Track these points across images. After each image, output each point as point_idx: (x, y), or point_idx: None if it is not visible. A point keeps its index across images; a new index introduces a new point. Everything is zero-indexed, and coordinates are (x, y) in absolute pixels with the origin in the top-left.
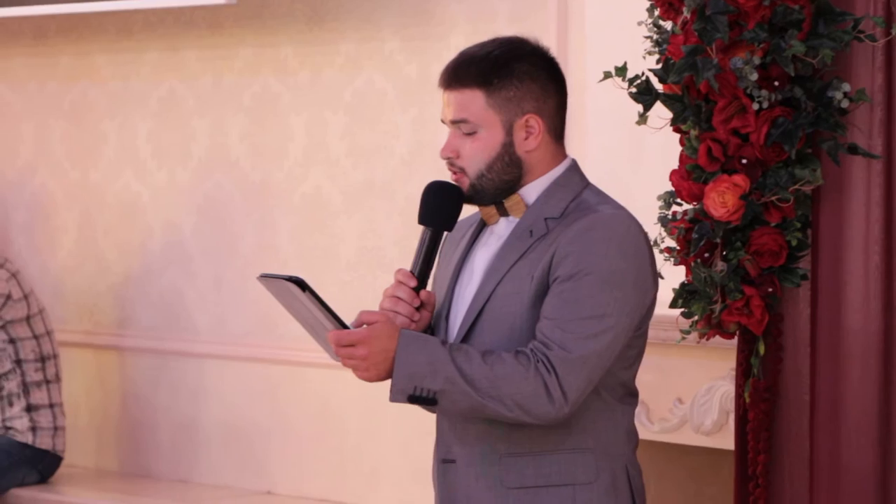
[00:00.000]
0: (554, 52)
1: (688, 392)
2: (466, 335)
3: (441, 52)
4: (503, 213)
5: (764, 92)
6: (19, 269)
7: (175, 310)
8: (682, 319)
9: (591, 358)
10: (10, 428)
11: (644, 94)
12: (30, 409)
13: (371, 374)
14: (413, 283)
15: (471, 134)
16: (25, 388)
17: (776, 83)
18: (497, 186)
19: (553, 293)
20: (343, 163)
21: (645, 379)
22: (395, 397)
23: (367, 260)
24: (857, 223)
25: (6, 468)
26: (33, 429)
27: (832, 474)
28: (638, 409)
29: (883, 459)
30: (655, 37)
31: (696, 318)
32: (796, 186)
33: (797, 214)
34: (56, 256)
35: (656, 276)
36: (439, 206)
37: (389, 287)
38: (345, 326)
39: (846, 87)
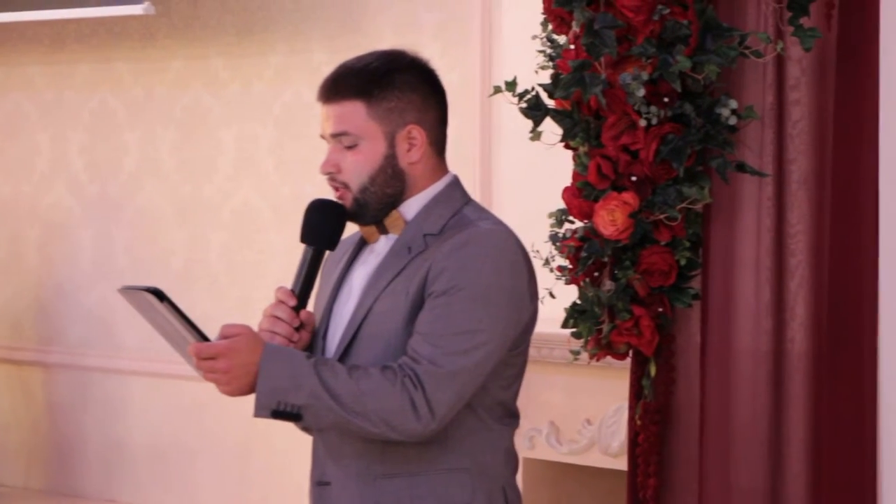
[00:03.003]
0: (478, 64)
1: (597, 413)
2: (344, 354)
3: None
4: (383, 231)
5: (653, 108)
6: None
7: (104, 326)
8: (574, 340)
9: (462, 374)
10: None
11: (534, 110)
12: None
13: (233, 388)
14: (293, 301)
15: (351, 147)
16: None
17: (666, 99)
18: (380, 200)
19: (426, 308)
20: (272, 177)
21: (554, 399)
22: (258, 412)
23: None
24: (748, 243)
25: None
26: None
27: (722, 498)
28: (547, 431)
29: (773, 483)
30: (549, 51)
31: (585, 338)
32: (684, 205)
33: (688, 233)
34: None
35: (535, 293)
36: (321, 225)
37: (269, 306)
38: (206, 339)
39: (733, 103)
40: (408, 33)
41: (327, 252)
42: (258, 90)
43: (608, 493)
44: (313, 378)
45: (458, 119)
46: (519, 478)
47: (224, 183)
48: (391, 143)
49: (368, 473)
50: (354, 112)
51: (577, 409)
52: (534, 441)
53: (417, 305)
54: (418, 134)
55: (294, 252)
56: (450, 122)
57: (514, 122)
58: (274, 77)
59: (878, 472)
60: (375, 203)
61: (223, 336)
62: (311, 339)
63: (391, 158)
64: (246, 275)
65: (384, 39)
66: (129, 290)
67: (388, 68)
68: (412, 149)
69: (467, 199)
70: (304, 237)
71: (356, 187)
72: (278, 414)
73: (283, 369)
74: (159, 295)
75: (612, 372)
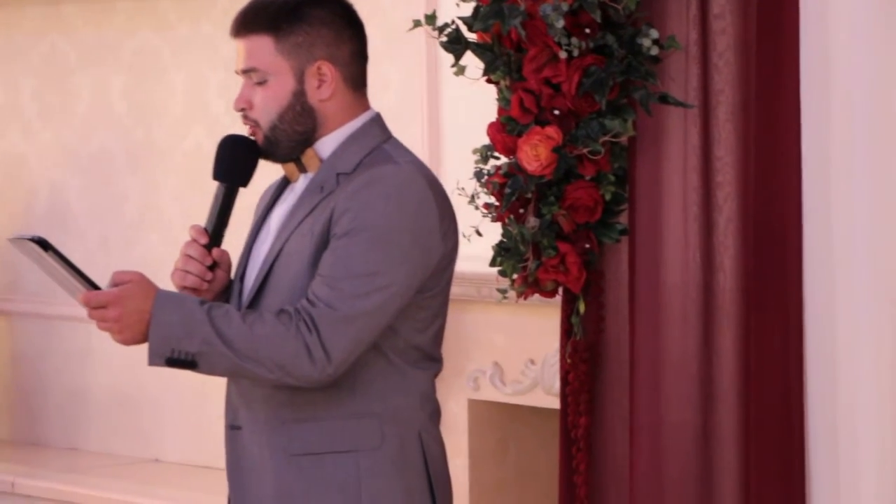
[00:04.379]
0: (422, 2)
1: (540, 353)
2: (255, 296)
3: None
4: (302, 169)
5: (574, 40)
6: None
7: None
8: (502, 279)
9: (359, 317)
10: None
11: (454, 44)
12: None
13: (126, 337)
14: (204, 239)
15: (262, 83)
16: None
17: (587, 31)
18: (290, 138)
19: (328, 250)
20: (223, 120)
21: (497, 340)
22: (152, 361)
23: (248, 219)
24: (674, 176)
25: None
26: None
27: (652, 435)
28: (491, 372)
29: (703, 419)
30: None
31: (513, 276)
32: (606, 138)
33: (614, 167)
34: None
35: (451, 233)
36: (234, 161)
37: (184, 244)
38: (95, 287)
39: (654, 33)
40: None
41: (254, 192)
42: (206, 31)
43: (555, 433)
44: (206, 325)
45: (404, 57)
46: (464, 420)
47: (175, 127)
48: (300, 80)
49: (277, 418)
50: (262, 47)
51: (520, 349)
52: (478, 382)
53: (322, 246)
54: (328, 70)
55: (244, 197)
56: (396, 59)
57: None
58: (221, 18)
59: (805, 404)
60: (286, 140)
61: (114, 283)
62: (230, 280)
63: (300, 95)
64: (200, 219)
65: None
66: (18, 240)
67: (298, 2)
68: (322, 85)
69: (386, 137)
70: (216, 174)
71: (266, 124)
72: (173, 362)
73: (175, 316)
74: (43, 244)
75: (553, 311)
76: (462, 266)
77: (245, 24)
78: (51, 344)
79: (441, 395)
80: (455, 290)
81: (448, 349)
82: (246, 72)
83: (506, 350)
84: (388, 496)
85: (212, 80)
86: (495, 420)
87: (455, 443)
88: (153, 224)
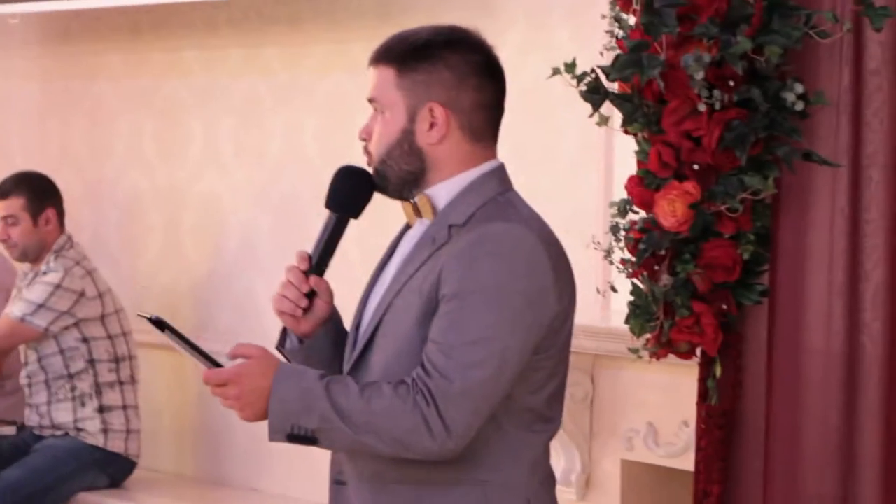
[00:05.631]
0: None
1: (694, 414)
2: (364, 350)
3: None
4: (418, 213)
5: (716, 92)
6: (96, 268)
7: (254, 314)
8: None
9: (476, 388)
10: (81, 429)
11: (593, 93)
12: (102, 410)
13: (248, 414)
14: (305, 265)
15: (382, 115)
16: (98, 389)
17: (731, 83)
18: (399, 176)
19: (439, 314)
20: None
21: (651, 399)
22: (273, 437)
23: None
24: (820, 236)
25: (74, 471)
26: (104, 431)
27: None
28: (645, 432)
29: (843, 492)
30: (617, 32)
31: (646, 335)
32: (745, 195)
33: (756, 226)
34: (144, 256)
35: (567, 291)
36: (346, 192)
37: (286, 268)
38: (216, 364)
39: (799, 88)
40: (539, 16)
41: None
42: None
43: None
44: (324, 400)
45: (583, 105)
46: (616, 481)
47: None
48: (411, 118)
49: (382, 478)
50: (386, 79)
51: (674, 410)
52: (632, 442)
53: (429, 306)
54: (441, 114)
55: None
56: (574, 107)
57: None
58: None
59: None
60: (394, 177)
61: (233, 356)
62: (339, 329)
63: (409, 134)
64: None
65: (516, 24)
66: (142, 318)
67: (431, 42)
68: (433, 129)
69: (504, 189)
70: (328, 203)
71: (376, 157)
72: (294, 438)
73: (293, 392)
74: (159, 325)
75: None
76: (616, 322)
77: (378, 55)
78: None
79: (594, 454)
80: (609, 346)
81: (602, 407)
82: (370, 101)
83: (660, 410)
84: None
85: None
86: (650, 482)
87: None
88: (335, 266)
